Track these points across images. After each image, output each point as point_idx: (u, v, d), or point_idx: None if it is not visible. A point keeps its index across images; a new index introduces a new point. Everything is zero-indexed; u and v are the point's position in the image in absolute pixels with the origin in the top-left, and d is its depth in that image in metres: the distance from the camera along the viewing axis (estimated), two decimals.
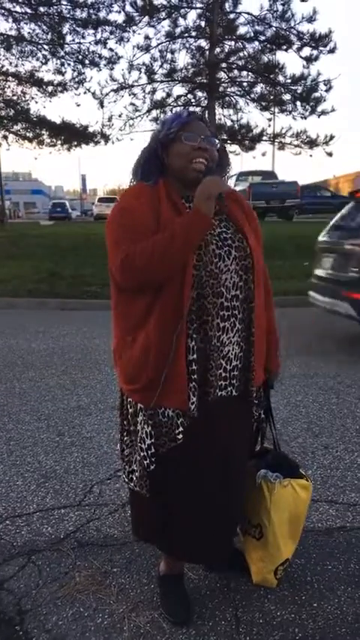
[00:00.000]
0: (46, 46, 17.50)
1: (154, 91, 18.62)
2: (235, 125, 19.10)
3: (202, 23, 17.90)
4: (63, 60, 17.64)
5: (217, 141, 1.75)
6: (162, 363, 1.67)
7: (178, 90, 21.09)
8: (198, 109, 18.38)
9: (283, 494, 1.95)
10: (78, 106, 18.84)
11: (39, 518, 2.58)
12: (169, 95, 18.88)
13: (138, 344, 1.72)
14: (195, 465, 1.77)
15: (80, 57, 17.56)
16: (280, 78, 17.86)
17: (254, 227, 1.85)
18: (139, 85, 18.33)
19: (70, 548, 2.34)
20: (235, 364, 1.77)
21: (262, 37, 17.61)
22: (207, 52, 17.94)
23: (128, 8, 16.99)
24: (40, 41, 17.37)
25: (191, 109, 17.21)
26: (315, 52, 17.16)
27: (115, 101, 18.78)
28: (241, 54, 18.26)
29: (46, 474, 3.02)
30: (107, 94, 18.02)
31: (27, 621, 1.92)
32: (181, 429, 1.73)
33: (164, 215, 1.67)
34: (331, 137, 18.31)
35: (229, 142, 18.60)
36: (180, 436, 1.73)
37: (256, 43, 17.85)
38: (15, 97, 18.21)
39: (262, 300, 1.84)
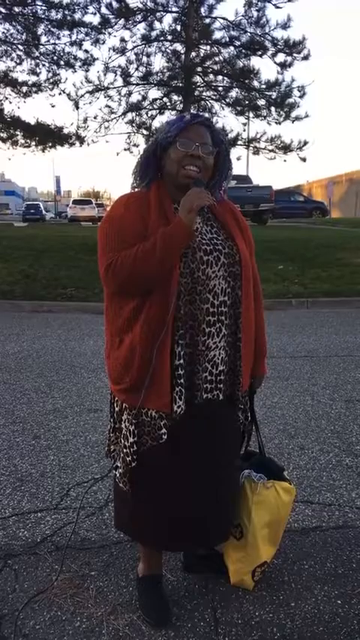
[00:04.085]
0: (20, 47, 17.36)
1: (129, 94, 18.64)
2: None
3: (178, 27, 17.98)
4: (38, 60, 17.54)
5: (212, 148, 1.75)
6: (146, 366, 1.70)
7: (154, 93, 21.19)
8: (173, 113, 18.44)
9: (266, 496, 1.98)
10: (53, 107, 18.74)
11: (15, 522, 2.55)
12: (144, 98, 18.92)
13: (124, 346, 1.75)
14: (176, 464, 1.79)
15: (55, 58, 17.47)
16: (255, 83, 18.08)
17: (246, 237, 1.89)
18: (114, 88, 18.34)
19: (47, 552, 2.32)
20: (221, 369, 1.80)
21: (237, 43, 17.80)
22: (182, 56, 18.03)
23: (104, 10, 16.99)
24: (15, 41, 17.23)
25: (167, 112, 17.29)
26: (289, 59, 17.41)
27: (90, 103, 18.71)
28: (217, 58, 18.41)
29: (21, 478, 2.99)
30: (82, 96, 17.99)
31: (4, 626, 1.90)
32: (164, 430, 1.75)
33: (152, 223, 1.70)
34: (305, 143, 18.58)
35: None
36: (164, 437, 1.75)
37: (232, 48, 18.03)
38: None
39: (251, 306, 1.86)
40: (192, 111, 18.38)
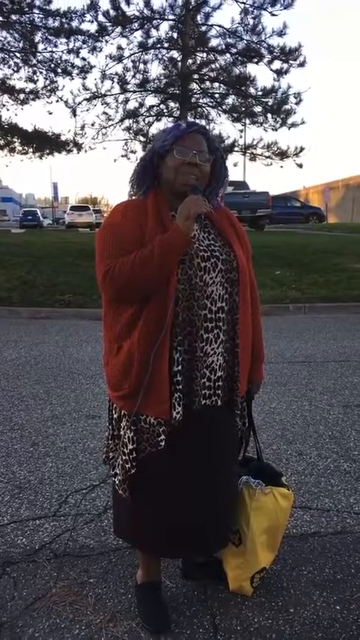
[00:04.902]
0: (17, 54, 17.38)
1: (126, 101, 18.67)
2: None
3: (175, 35, 18.04)
4: (35, 68, 17.54)
5: (208, 155, 1.78)
6: (145, 373, 1.70)
7: (151, 100, 21.25)
8: (170, 120, 18.51)
9: (265, 502, 1.98)
10: (50, 114, 18.74)
11: (13, 530, 2.55)
12: (141, 105, 18.95)
13: (123, 352, 1.76)
14: (175, 471, 1.79)
15: (52, 65, 17.47)
16: (252, 90, 18.12)
17: (243, 243, 1.91)
18: (111, 95, 18.37)
19: (45, 560, 2.32)
20: (219, 375, 1.81)
21: (234, 50, 17.85)
22: (179, 64, 18.09)
23: (101, 18, 17.03)
24: (12, 49, 17.24)
25: (164, 119, 17.32)
26: (285, 66, 17.46)
27: (87, 110, 18.77)
28: (213, 66, 18.47)
29: (20, 485, 2.99)
30: (80, 103, 18.01)
31: (3, 634, 1.89)
32: (163, 437, 1.76)
33: (149, 231, 1.72)
34: (301, 149, 18.63)
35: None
36: (162, 443, 1.76)
37: (228, 55, 18.09)
38: None
39: (248, 312, 1.87)
40: (189, 117, 18.45)
